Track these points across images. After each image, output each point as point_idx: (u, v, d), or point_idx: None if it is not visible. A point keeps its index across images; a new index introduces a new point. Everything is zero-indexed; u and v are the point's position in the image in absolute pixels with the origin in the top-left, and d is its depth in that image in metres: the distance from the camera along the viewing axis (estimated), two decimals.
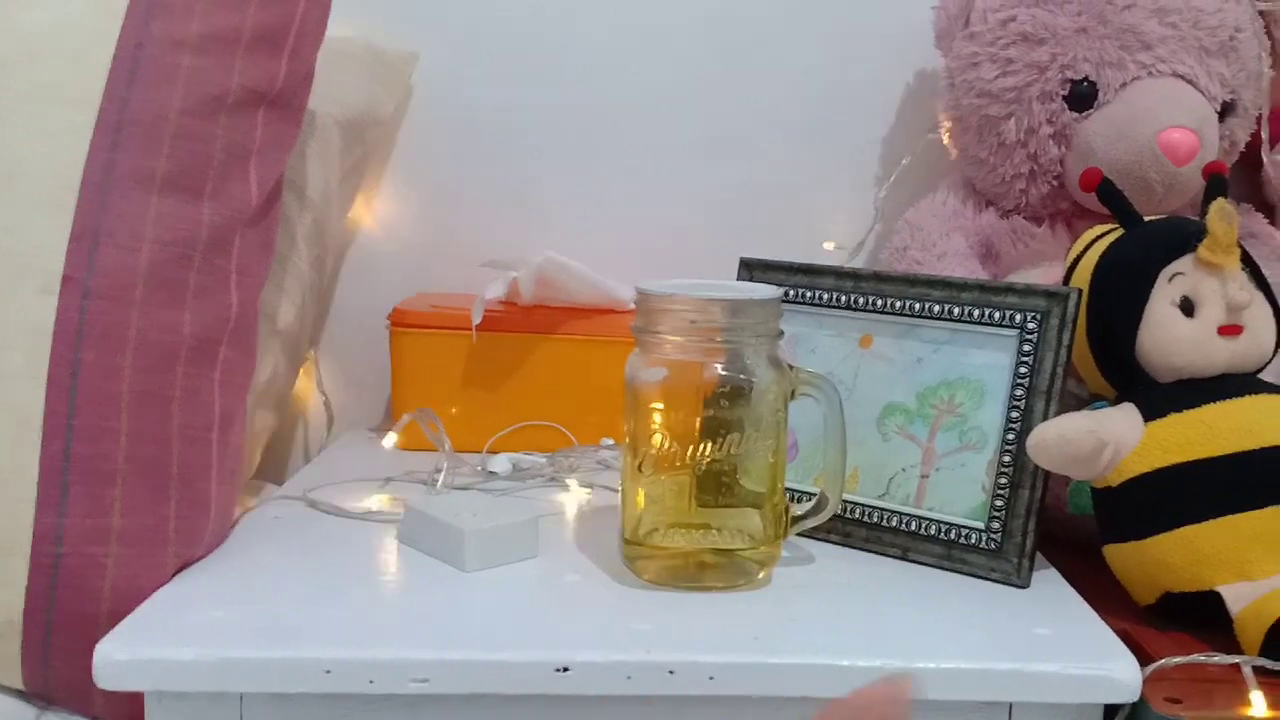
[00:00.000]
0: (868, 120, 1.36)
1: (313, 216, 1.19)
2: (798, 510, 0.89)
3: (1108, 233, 0.96)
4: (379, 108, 1.28)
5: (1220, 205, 0.89)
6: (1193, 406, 0.87)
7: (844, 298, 1.00)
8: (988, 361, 0.94)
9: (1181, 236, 0.91)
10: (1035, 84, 1.11)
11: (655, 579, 0.87)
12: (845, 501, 0.95)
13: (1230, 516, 0.85)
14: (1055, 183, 1.14)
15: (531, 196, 1.36)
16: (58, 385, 0.84)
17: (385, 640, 0.78)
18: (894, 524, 0.94)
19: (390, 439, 1.18)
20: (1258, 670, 0.79)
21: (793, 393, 0.87)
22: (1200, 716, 0.76)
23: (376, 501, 1.03)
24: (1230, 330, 0.89)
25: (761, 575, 0.87)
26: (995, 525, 0.91)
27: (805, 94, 1.36)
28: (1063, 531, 1.00)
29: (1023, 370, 0.91)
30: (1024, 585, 0.89)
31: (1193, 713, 0.76)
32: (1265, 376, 0.92)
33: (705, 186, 1.36)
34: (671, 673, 0.75)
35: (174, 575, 0.87)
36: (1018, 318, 0.92)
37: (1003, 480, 0.91)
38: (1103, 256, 0.94)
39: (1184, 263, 0.90)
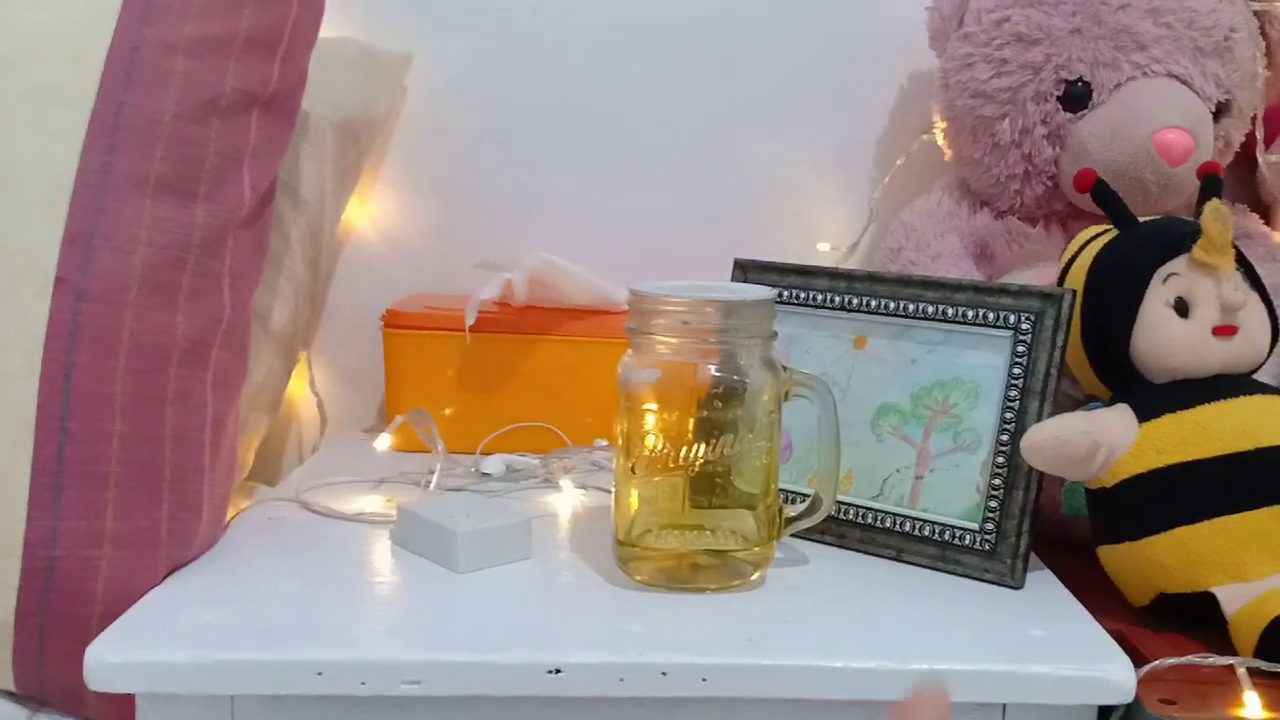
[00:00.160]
0: (862, 121, 1.36)
1: (307, 218, 1.19)
2: (791, 511, 0.89)
3: (1102, 233, 0.96)
4: (373, 109, 1.28)
5: (1215, 206, 0.89)
6: (1187, 407, 0.87)
7: (838, 299, 1.00)
8: (982, 362, 0.94)
9: (1176, 237, 0.90)
10: (1030, 84, 1.11)
11: (648, 580, 0.86)
12: (839, 502, 0.95)
13: (1225, 517, 0.85)
14: (1050, 183, 1.14)
15: (525, 197, 1.36)
16: (51, 387, 0.84)
17: (377, 642, 0.78)
18: (888, 525, 0.94)
19: (383, 440, 1.18)
20: (1252, 671, 0.79)
21: (786, 394, 0.87)
22: (1195, 718, 0.76)
23: (369, 503, 1.03)
24: (1225, 331, 0.89)
25: (755, 576, 0.87)
26: (989, 526, 0.91)
27: (800, 95, 1.36)
28: (1057, 533, 1.00)
29: (1017, 371, 0.91)
30: (1018, 586, 0.89)
31: (1187, 714, 0.76)
32: (1260, 377, 0.92)
33: (699, 187, 1.36)
34: (664, 674, 0.75)
35: (166, 577, 0.86)
36: (1012, 319, 0.92)
37: (997, 481, 0.91)
38: (1097, 257, 0.93)
39: (1178, 263, 0.90)
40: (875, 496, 0.96)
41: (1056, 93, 1.11)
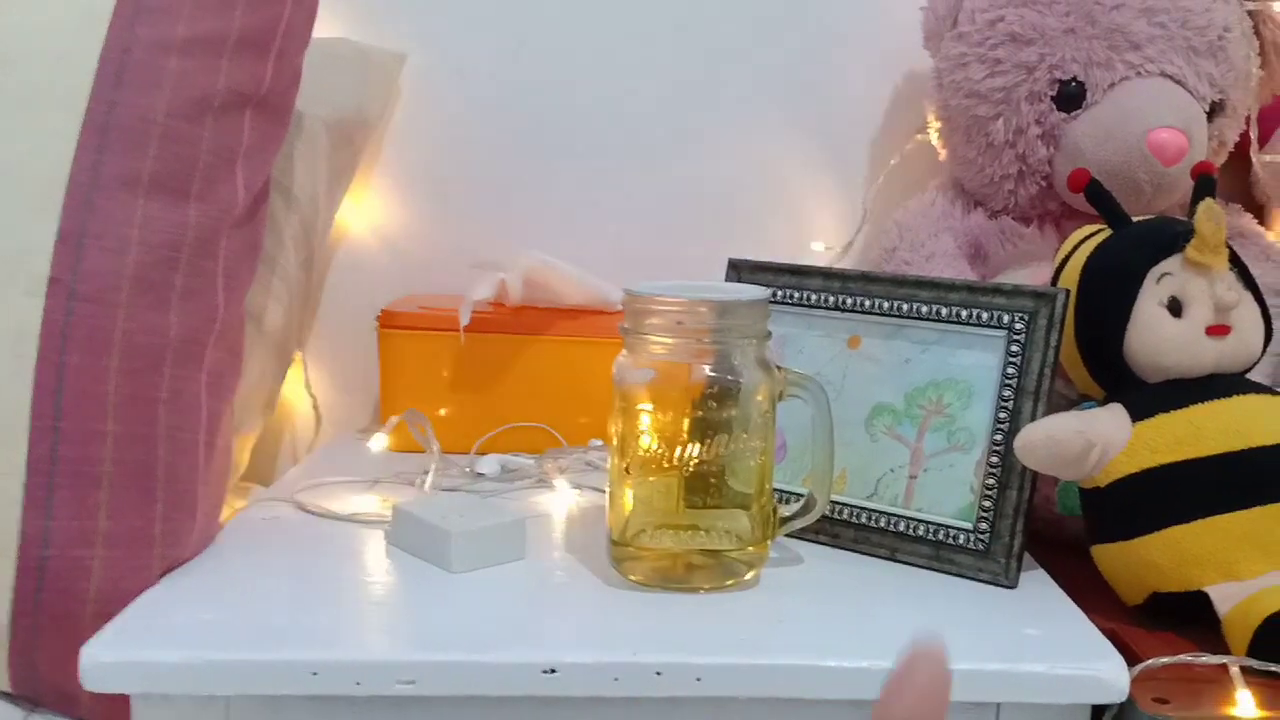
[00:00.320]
0: (856, 121, 1.36)
1: (300, 218, 1.19)
2: (786, 511, 0.89)
3: (1096, 233, 0.96)
4: (367, 109, 1.28)
5: (1208, 205, 0.89)
6: (1180, 407, 0.88)
7: (832, 298, 1.00)
8: (975, 362, 0.94)
9: (1169, 237, 0.91)
10: (1023, 84, 1.11)
11: (643, 580, 0.86)
12: (833, 502, 0.95)
13: (1218, 517, 0.85)
14: (1044, 183, 1.14)
15: (520, 198, 1.36)
16: (44, 388, 0.84)
17: (372, 642, 0.78)
18: (882, 525, 0.94)
19: (378, 440, 1.18)
20: (1245, 670, 0.79)
21: (781, 394, 0.87)
22: (1188, 716, 0.76)
23: (364, 503, 1.03)
24: (1218, 330, 0.89)
25: (749, 576, 0.87)
26: (983, 526, 0.91)
27: (794, 94, 1.36)
28: (1051, 532, 1.00)
29: (1010, 371, 0.91)
30: (1012, 585, 0.89)
31: (1180, 713, 0.76)
32: (1254, 376, 0.92)
33: (693, 187, 1.36)
34: (659, 674, 0.75)
35: (160, 577, 0.86)
36: (1005, 318, 0.92)
37: (991, 481, 0.91)
38: (1090, 257, 0.94)
39: (1172, 263, 0.90)
40: (869, 496, 0.96)
41: (1050, 92, 1.11)
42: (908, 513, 0.94)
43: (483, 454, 1.15)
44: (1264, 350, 0.92)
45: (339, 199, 1.30)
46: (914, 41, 1.21)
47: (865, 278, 0.99)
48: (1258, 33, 1.15)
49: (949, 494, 0.93)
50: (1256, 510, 0.85)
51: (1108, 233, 0.95)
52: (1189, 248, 0.89)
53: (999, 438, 0.91)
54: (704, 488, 0.86)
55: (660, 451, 0.85)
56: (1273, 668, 0.79)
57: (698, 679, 0.75)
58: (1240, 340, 0.90)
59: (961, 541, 0.91)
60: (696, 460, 0.85)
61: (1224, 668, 0.80)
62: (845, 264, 1.36)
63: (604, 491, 0.90)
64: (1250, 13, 1.14)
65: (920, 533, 0.93)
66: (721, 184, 1.36)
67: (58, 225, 0.86)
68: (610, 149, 1.36)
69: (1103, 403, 0.92)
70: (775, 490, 0.91)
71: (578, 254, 1.24)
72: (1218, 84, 1.11)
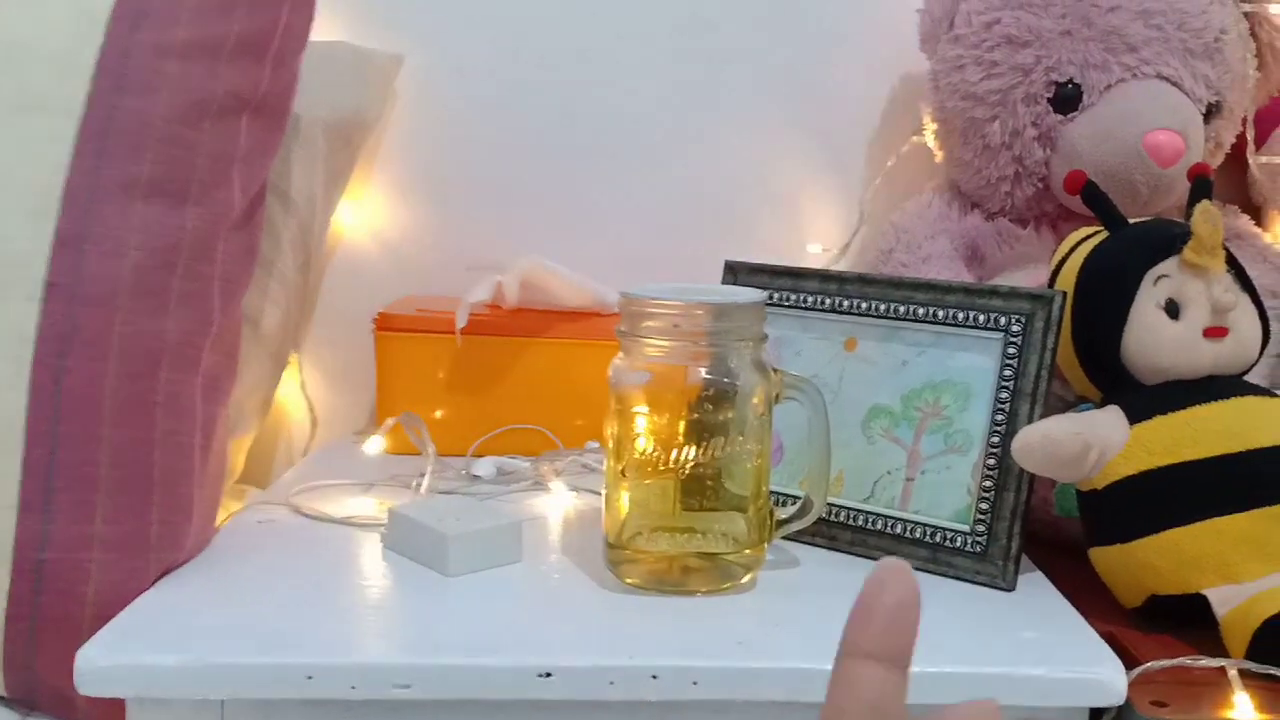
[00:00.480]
0: (853, 123, 1.36)
1: (298, 221, 1.19)
2: (782, 514, 0.89)
3: (1092, 235, 0.96)
4: (364, 112, 1.28)
5: (1205, 207, 0.89)
6: (1178, 409, 0.88)
7: (829, 301, 1.00)
8: (972, 364, 0.94)
9: (1166, 239, 0.91)
10: (1020, 86, 1.11)
11: (639, 583, 0.86)
12: (830, 504, 0.95)
13: (1215, 519, 0.85)
14: (1040, 185, 1.14)
15: (516, 200, 1.36)
16: (41, 391, 0.84)
17: (367, 646, 0.78)
18: (879, 527, 0.94)
19: (374, 443, 1.18)
20: (1243, 673, 0.79)
21: (777, 396, 0.87)
22: (1186, 719, 0.76)
23: (360, 506, 1.03)
24: (1215, 332, 0.89)
25: (746, 579, 0.87)
26: (980, 528, 0.91)
27: (791, 97, 1.36)
28: (1048, 534, 1.00)
29: (1007, 373, 0.91)
30: (1009, 588, 0.89)
31: (1178, 716, 0.76)
32: (1251, 378, 0.92)
33: (690, 190, 1.36)
34: (655, 677, 0.75)
35: (156, 580, 0.86)
36: (1002, 320, 0.92)
37: (988, 483, 0.91)
38: (1087, 259, 0.94)
39: (1169, 265, 0.90)
40: (866, 498, 0.96)
41: (1047, 94, 1.11)
42: (905, 515, 0.94)
43: (479, 456, 1.15)
44: (1261, 352, 0.92)
45: (336, 202, 1.30)
46: (910, 44, 1.21)
47: (862, 280, 0.99)
48: (1254, 35, 1.15)
49: (946, 496, 0.93)
50: (1254, 512, 0.85)
51: (1104, 235, 0.95)
52: (1186, 250, 0.89)
53: (996, 440, 0.91)
54: (700, 490, 0.86)
55: (656, 454, 0.85)
56: (1271, 670, 0.79)
57: (694, 682, 0.75)
58: (1237, 342, 0.90)
59: (959, 544, 0.91)
60: (693, 463, 0.85)
61: (1222, 670, 0.80)
62: (842, 266, 1.36)
63: (600, 494, 0.90)
64: (1247, 15, 1.14)
65: (917, 535, 0.93)
66: (718, 186, 1.36)
67: (55, 229, 0.86)
68: (606, 152, 1.36)
69: (1100, 405, 0.92)
70: (772, 493, 0.91)
71: (575, 255, 1.25)
72: (1214, 86, 1.11)
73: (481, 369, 1.20)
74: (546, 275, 1.19)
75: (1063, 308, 0.91)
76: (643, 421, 0.85)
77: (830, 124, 1.36)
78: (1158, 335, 0.89)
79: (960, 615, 0.85)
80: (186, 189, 0.91)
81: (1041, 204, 1.16)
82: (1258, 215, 1.24)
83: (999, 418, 0.91)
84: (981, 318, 0.93)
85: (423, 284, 1.35)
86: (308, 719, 0.77)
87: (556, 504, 1.06)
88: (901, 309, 0.96)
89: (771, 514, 0.88)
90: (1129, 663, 0.78)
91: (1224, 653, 0.82)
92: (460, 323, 1.15)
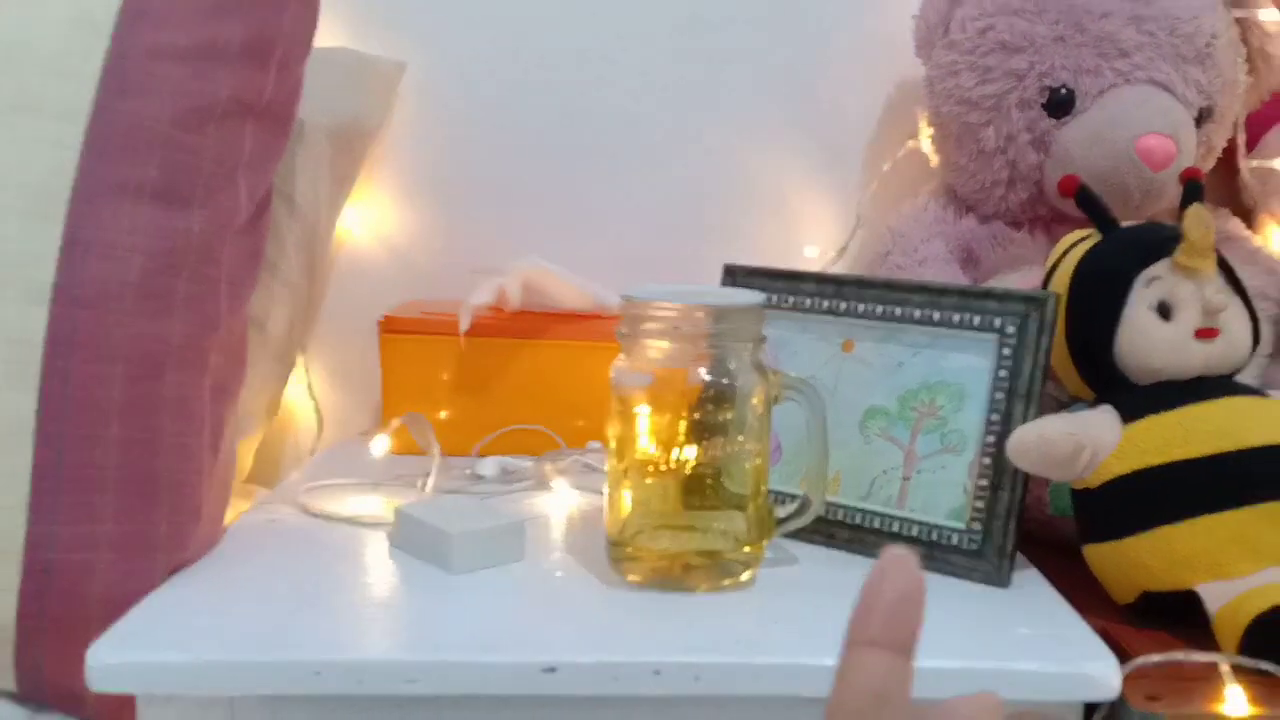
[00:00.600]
0: (849, 127, 1.37)
1: (302, 225, 1.20)
2: (781, 512, 0.90)
3: (1086, 238, 0.97)
4: (368, 117, 1.28)
5: (1196, 210, 0.90)
6: (1170, 408, 0.88)
7: (826, 303, 1.00)
8: (967, 365, 0.94)
9: (1158, 241, 0.91)
10: (1014, 92, 1.12)
11: (641, 580, 0.87)
12: (828, 504, 0.95)
13: (1207, 517, 0.85)
14: (1034, 189, 1.15)
15: (518, 203, 1.37)
16: (49, 393, 0.84)
17: (374, 642, 0.79)
18: (876, 525, 0.95)
19: (380, 443, 1.18)
20: (1235, 668, 0.80)
21: (776, 397, 0.87)
22: (1179, 714, 0.77)
23: (366, 505, 1.03)
24: (1207, 333, 0.90)
25: (746, 576, 0.88)
26: (976, 526, 0.91)
27: (788, 102, 1.36)
28: (1043, 532, 1.01)
29: (1002, 374, 0.92)
30: (1004, 585, 0.90)
31: (1172, 710, 0.77)
32: (1241, 378, 0.93)
33: (689, 193, 1.37)
34: (657, 673, 0.76)
35: (165, 580, 0.87)
36: (997, 322, 0.93)
37: (983, 482, 0.92)
38: (1081, 261, 0.94)
39: (1161, 267, 0.91)
40: (863, 497, 0.97)
41: (1040, 99, 1.11)
42: (901, 514, 0.95)
43: (483, 456, 1.15)
44: (1252, 353, 0.93)
45: (340, 206, 1.30)
46: (906, 49, 1.22)
47: (859, 282, 1.00)
48: (1245, 40, 1.15)
49: (942, 495, 0.94)
50: (1245, 510, 0.85)
51: (1098, 237, 0.96)
52: (1178, 252, 0.89)
53: (991, 440, 0.92)
54: (701, 489, 0.86)
55: (657, 454, 0.86)
56: (1262, 665, 0.79)
57: (696, 678, 0.76)
58: (1228, 343, 0.91)
59: (955, 542, 0.92)
60: (693, 463, 0.85)
61: (1214, 665, 0.80)
62: (839, 269, 1.36)
63: (602, 493, 0.91)
64: (1237, 20, 1.15)
65: (913, 533, 0.93)
66: (717, 190, 1.37)
67: (61, 233, 0.86)
68: (606, 156, 1.37)
69: (1093, 405, 0.92)
70: (771, 492, 0.92)
71: (575, 255, 1.25)
72: (1205, 91, 1.12)
73: (485, 370, 1.20)
74: (548, 278, 1.20)
75: (1056, 309, 0.92)
76: (644, 422, 0.86)
77: (827, 128, 1.36)
78: (1150, 336, 0.90)
79: (956, 612, 0.85)
80: (191, 193, 0.91)
81: (1035, 207, 1.17)
82: (1248, 218, 1.24)
83: (994, 418, 0.92)
84: (976, 319, 0.94)
85: (427, 287, 1.35)
86: (315, 715, 0.78)
87: (559, 503, 1.07)
88: (898, 311, 0.97)
89: (771, 512, 0.89)
90: (1123, 658, 0.79)
91: (1216, 648, 0.82)
92: (464, 325, 1.16)
